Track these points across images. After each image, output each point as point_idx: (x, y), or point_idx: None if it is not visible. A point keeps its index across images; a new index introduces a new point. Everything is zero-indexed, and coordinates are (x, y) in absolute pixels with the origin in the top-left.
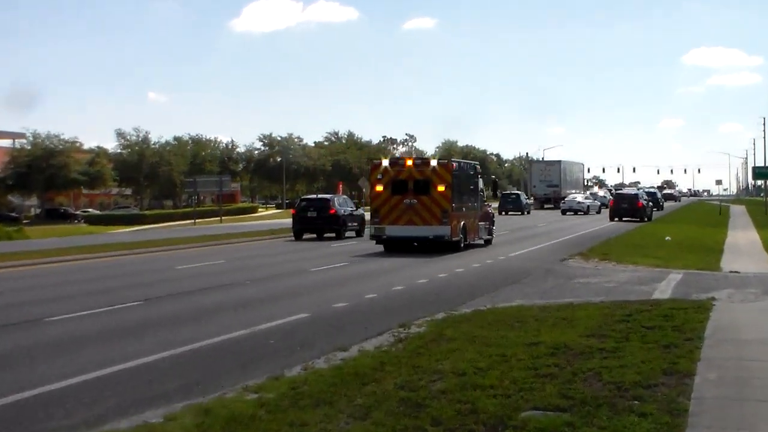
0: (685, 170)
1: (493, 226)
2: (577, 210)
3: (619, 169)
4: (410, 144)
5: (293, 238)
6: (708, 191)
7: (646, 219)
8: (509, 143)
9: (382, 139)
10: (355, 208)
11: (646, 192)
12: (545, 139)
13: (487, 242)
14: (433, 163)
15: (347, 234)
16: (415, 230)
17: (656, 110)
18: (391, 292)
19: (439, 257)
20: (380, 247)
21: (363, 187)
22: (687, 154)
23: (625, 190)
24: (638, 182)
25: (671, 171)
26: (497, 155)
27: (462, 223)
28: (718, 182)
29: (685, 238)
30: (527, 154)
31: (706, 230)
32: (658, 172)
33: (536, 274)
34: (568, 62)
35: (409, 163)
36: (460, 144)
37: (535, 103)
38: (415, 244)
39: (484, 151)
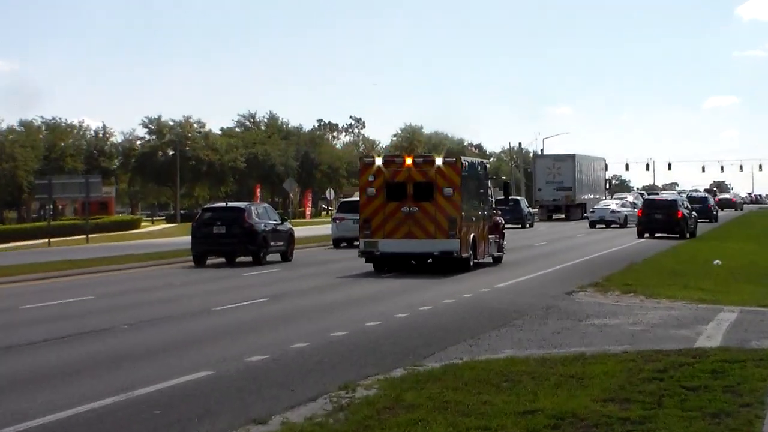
0: (741, 167)
1: (504, 239)
2: (610, 221)
3: (648, 166)
4: (356, 130)
5: (192, 264)
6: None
7: (687, 235)
8: (495, 130)
9: (317, 125)
10: (280, 221)
11: (690, 197)
12: (545, 123)
13: (497, 260)
14: (438, 161)
15: (269, 258)
16: (415, 245)
17: (701, 84)
18: (329, 340)
19: (427, 281)
20: (317, 277)
21: (291, 192)
22: (744, 144)
23: (662, 195)
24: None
25: (721, 168)
26: (478, 146)
27: (472, 235)
28: None
29: (742, 263)
30: (519, 145)
31: None
32: (704, 170)
33: (534, 313)
34: (576, 19)
35: (409, 161)
36: (427, 131)
37: (531, 75)
38: (413, 262)
39: (460, 141)
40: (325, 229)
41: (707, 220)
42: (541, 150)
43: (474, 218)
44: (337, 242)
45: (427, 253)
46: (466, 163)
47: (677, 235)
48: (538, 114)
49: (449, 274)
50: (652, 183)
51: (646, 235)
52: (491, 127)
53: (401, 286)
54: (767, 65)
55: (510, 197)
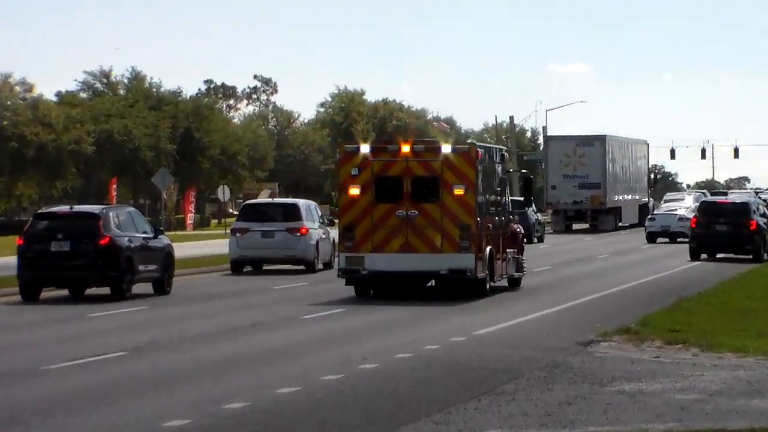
0: None
1: (523, 254)
2: (678, 233)
3: (705, 153)
4: (264, 97)
5: (20, 299)
6: None
7: (765, 256)
8: (475, 99)
9: (204, 89)
10: (152, 234)
11: None
12: (550, 88)
13: (514, 283)
14: (446, 149)
15: (136, 288)
16: (415, 261)
17: None
18: (215, 416)
19: (395, 317)
20: (207, 319)
21: (164, 190)
22: None
23: (728, 197)
24: (745, 179)
25: None
26: (449, 121)
27: (488, 249)
28: None
29: None
30: (511, 119)
31: None
32: None
33: (534, 374)
34: None
35: (406, 149)
36: (370, 98)
37: (527, 17)
38: (403, 284)
39: (420, 114)
40: (217, 245)
41: None
42: (544, 127)
43: (491, 226)
44: (238, 265)
45: (430, 272)
46: (482, 152)
47: (750, 256)
48: (539, 75)
49: (448, 301)
50: (710, 178)
51: (704, 255)
52: (470, 95)
53: (345, 330)
54: None
55: (530, 198)
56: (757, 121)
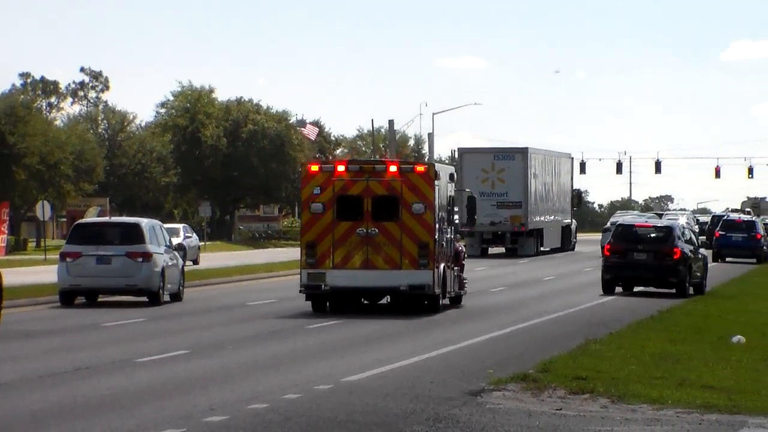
0: None
1: (463, 272)
2: None
3: (620, 167)
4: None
5: None
6: None
7: (689, 289)
8: (349, 101)
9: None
10: None
11: (727, 221)
12: (438, 86)
13: (455, 300)
14: (406, 169)
15: None
16: (375, 277)
17: (718, 26)
18: None
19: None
20: (19, 362)
21: None
22: None
23: (647, 220)
24: (669, 198)
25: (749, 171)
26: (317, 124)
27: (443, 266)
28: None
29: None
30: (391, 123)
31: None
32: (718, 174)
33: (412, 429)
34: None
35: (367, 168)
36: (221, 96)
37: (409, 5)
38: (365, 301)
39: (282, 116)
40: (40, 272)
41: (754, 260)
42: (430, 134)
43: (444, 244)
44: (69, 296)
45: (390, 287)
46: (440, 171)
47: (673, 290)
48: (425, 72)
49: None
50: (627, 196)
51: (618, 287)
52: (343, 95)
53: (190, 375)
54: None
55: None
56: (683, 130)
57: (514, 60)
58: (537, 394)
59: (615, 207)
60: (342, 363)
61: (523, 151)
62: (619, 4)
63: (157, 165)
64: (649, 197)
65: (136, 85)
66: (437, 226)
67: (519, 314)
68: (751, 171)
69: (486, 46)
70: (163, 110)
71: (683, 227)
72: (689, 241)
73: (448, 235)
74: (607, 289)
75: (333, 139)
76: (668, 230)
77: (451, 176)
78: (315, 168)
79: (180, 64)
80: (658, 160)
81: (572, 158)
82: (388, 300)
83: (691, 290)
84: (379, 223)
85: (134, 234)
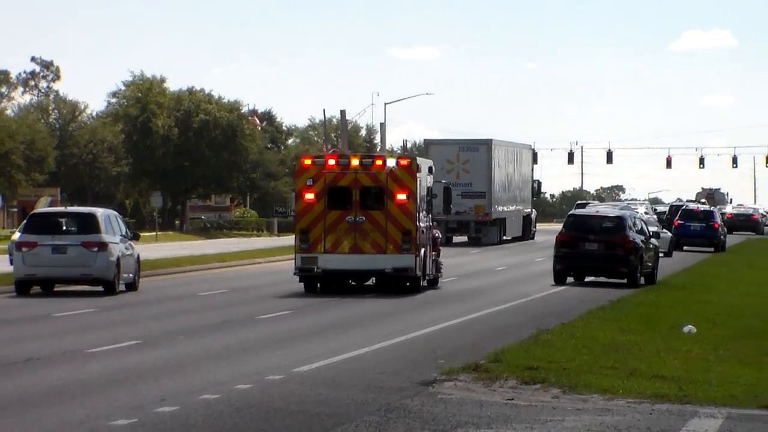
0: (735, 159)
1: (439, 256)
2: None
3: (572, 157)
4: (42, 84)
5: None
6: None
7: (641, 279)
8: (300, 91)
9: None
10: None
11: (686, 210)
12: (391, 76)
13: (433, 282)
14: (391, 162)
15: None
16: (363, 261)
17: (668, 17)
18: None
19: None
20: None
21: None
22: (740, 116)
23: (599, 209)
24: (618, 189)
25: (700, 161)
26: (268, 116)
27: (422, 251)
28: None
29: (734, 328)
30: (342, 113)
31: None
32: (669, 164)
33: (362, 420)
34: None
35: (355, 162)
36: (172, 86)
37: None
38: (352, 282)
39: (233, 106)
40: None
41: (711, 249)
42: (382, 124)
43: (424, 230)
44: (25, 286)
45: (377, 270)
46: (421, 165)
47: (624, 280)
48: (377, 62)
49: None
50: (579, 186)
51: (570, 278)
52: (295, 85)
53: (142, 365)
54: None
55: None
56: (634, 120)
57: (467, 50)
58: (488, 384)
59: (567, 197)
60: (293, 353)
61: (488, 143)
62: None
63: (108, 155)
64: (601, 187)
65: (87, 74)
66: (418, 214)
67: (472, 304)
68: (702, 161)
69: (438, 36)
70: (114, 100)
71: (635, 217)
72: (640, 231)
73: (428, 223)
74: (559, 279)
75: (285, 129)
76: (619, 220)
77: (430, 169)
78: (308, 161)
79: (132, 54)
80: (609, 150)
81: (532, 149)
82: (374, 281)
83: (642, 280)
84: (366, 212)
85: (90, 224)
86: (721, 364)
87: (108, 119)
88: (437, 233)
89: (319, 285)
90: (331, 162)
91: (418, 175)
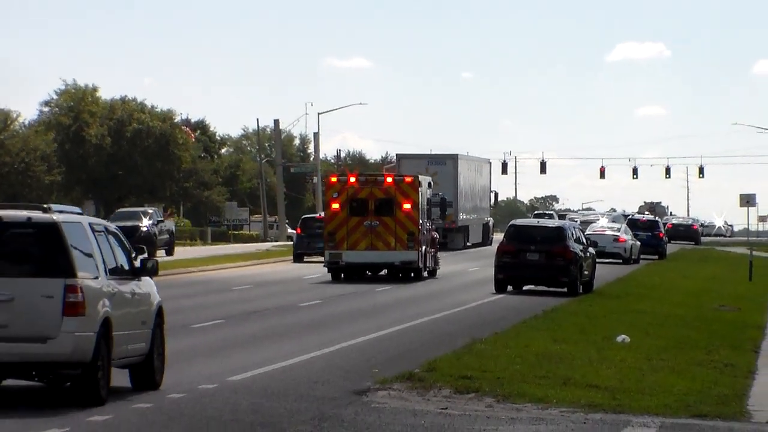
0: (668, 170)
1: (437, 253)
2: (613, 254)
3: (505, 167)
4: None
5: None
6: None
7: (579, 288)
8: (232, 98)
9: None
10: None
11: (632, 221)
12: (325, 87)
13: (432, 273)
14: (398, 179)
15: None
16: (377, 256)
17: (604, 23)
18: None
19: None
20: None
21: None
22: (673, 127)
23: (539, 220)
24: (554, 198)
25: (634, 171)
26: (200, 125)
27: (424, 248)
28: (763, 218)
29: (667, 338)
30: (276, 123)
31: (716, 317)
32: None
33: (297, 428)
34: None
35: (370, 179)
36: (105, 95)
37: (296, 3)
38: (368, 273)
39: (167, 115)
40: None
41: (656, 257)
42: (315, 133)
43: (425, 232)
44: None
45: (388, 263)
46: (422, 181)
47: (564, 289)
48: (313, 72)
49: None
50: (513, 196)
51: (510, 286)
52: (229, 94)
53: None
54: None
55: (310, 216)
56: (568, 131)
57: (401, 60)
58: (422, 393)
59: (501, 207)
60: (227, 362)
61: (454, 158)
62: (506, 5)
63: (40, 164)
64: (535, 197)
65: (19, 83)
66: (420, 220)
67: (407, 312)
68: (635, 171)
69: (373, 46)
70: (46, 109)
71: (573, 227)
72: (578, 241)
73: (428, 226)
74: (500, 287)
75: (218, 138)
76: (560, 231)
77: (429, 184)
78: (334, 179)
79: (64, 63)
80: (543, 160)
81: (491, 163)
82: (386, 272)
83: (580, 289)
84: (380, 218)
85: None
86: (654, 374)
87: (40, 128)
88: (435, 234)
89: (342, 275)
90: (352, 179)
91: (419, 189)
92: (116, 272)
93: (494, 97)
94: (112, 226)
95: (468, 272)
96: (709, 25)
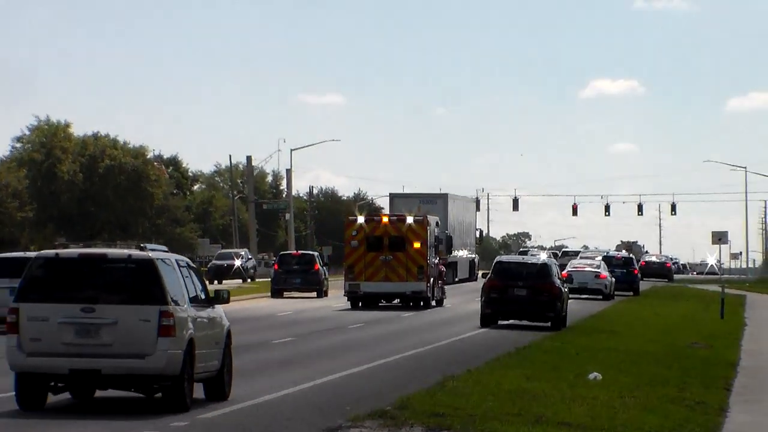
0: (640, 207)
1: (445, 284)
2: (594, 290)
3: (478, 204)
4: None
5: None
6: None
7: (562, 322)
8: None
9: None
10: None
11: (607, 257)
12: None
13: (439, 302)
14: (410, 219)
15: None
16: (391, 286)
17: (579, 58)
18: None
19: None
20: None
21: None
22: (644, 164)
23: (524, 257)
24: (527, 235)
25: (606, 209)
26: (173, 162)
27: (432, 279)
28: (735, 256)
29: (639, 375)
30: (249, 159)
31: (688, 355)
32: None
33: None
34: None
35: (385, 219)
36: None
37: (275, 38)
38: (383, 301)
39: (139, 152)
40: None
41: (630, 293)
42: (288, 170)
43: (432, 266)
44: None
45: (400, 293)
46: (430, 221)
47: (548, 323)
48: (286, 107)
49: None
50: (485, 233)
51: (497, 321)
52: (203, 130)
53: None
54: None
55: (298, 253)
56: (540, 167)
57: (374, 97)
58: (394, 430)
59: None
60: (198, 400)
61: (444, 197)
62: (480, 42)
63: (12, 200)
64: (507, 234)
65: None
66: (429, 255)
67: (377, 350)
68: (607, 209)
69: (346, 83)
70: (18, 145)
71: (555, 264)
72: (557, 277)
73: (435, 261)
74: (486, 322)
75: (191, 174)
76: (545, 267)
77: (437, 223)
78: (352, 219)
79: (36, 99)
80: (515, 197)
81: (476, 201)
82: (398, 301)
83: (562, 326)
84: (393, 253)
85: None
86: (627, 411)
87: (12, 164)
88: (443, 268)
89: (360, 303)
90: (376, 218)
91: (428, 228)
92: (195, 300)
93: (467, 133)
94: (191, 262)
95: (460, 305)
96: (683, 63)
